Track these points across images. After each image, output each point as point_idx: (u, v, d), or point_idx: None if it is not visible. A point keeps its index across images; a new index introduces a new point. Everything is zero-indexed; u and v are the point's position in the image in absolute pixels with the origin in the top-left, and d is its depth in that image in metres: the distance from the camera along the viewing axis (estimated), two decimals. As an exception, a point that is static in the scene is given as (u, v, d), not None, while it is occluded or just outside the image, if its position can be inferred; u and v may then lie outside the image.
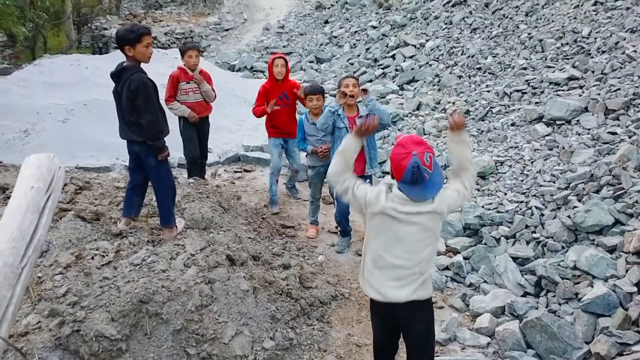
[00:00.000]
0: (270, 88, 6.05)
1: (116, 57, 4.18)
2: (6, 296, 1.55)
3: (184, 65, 6.00)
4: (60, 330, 3.20)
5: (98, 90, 8.64)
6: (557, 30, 8.91)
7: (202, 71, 6.12)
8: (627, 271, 3.95)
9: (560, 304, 4.07)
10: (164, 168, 4.19)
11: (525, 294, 4.39)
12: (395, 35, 13.12)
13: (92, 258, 3.84)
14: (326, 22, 17.85)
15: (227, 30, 20.42)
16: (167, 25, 21.80)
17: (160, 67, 10.27)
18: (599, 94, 6.45)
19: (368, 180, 5.08)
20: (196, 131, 6.15)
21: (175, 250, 4.01)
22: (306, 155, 5.80)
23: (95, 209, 4.46)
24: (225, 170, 7.74)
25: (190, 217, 4.55)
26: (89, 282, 3.55)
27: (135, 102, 3.91)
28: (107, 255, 3.87)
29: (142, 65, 4.02)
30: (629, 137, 5.44)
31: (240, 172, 7.76)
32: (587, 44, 8.01)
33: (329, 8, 18.95)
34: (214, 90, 6.20)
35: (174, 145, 6.21)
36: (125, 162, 7.26)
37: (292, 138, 6.20)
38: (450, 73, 9.96)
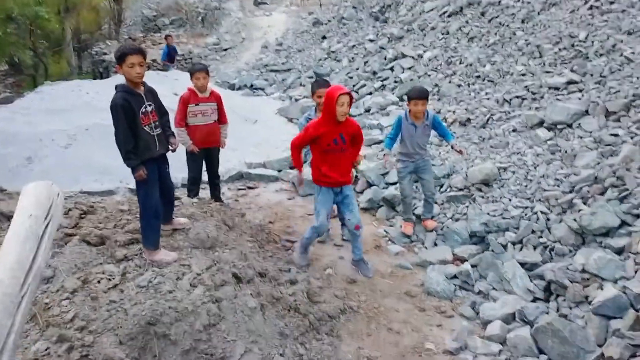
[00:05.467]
0: (326, 130, 4.71)
1: (116, 82, 4.22)
2: (6, 325, 1.55)
3: (193, 86, 6.03)
4: (69, 355, 3.18)
5: (99, 115, 8.68)
6: (554, 35, 8.94)
7: (213, 92, 6.14)
8: (636, 272, 3.93)
9: (570, 308, 4.04)
10: (142, 190, 4.18)
11: (535, 299, 4.36)
12: (392, 48, 13.17)
13: (99, 282, 3.82)
14: (324, 37, 17.93)
15: (225, 49, 20.57)
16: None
17: (160, 88, 10.28)
18: (598, 97, 6.45)
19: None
20: (203, 153, 6.15)
21: (181, 270, 3.99)
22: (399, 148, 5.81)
23: (100, 232, 4.46)
24: (228, 189, 7.75)
25: (195, 237, 4.54)
26: (96, 306, 3.54)
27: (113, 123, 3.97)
28: (113, 279, 3.86)
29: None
30: (631, 138, 5.44)
31: (244, 189, 7.77)
32: (584, 47, 8.03)
33: (326, 24, 19.06)
34: (224, 114, 6.21)
35: (179, 165, 6.26)
36: (128, 185, 7.29)
37: (349, 185, 5.11)
38: (450, 82, 9.99)
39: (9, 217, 5.24)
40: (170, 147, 4.48)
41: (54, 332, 3.31)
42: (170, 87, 11.11)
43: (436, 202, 6.08)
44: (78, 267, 4.10)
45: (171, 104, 8.73)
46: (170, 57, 16.49)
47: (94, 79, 19.04)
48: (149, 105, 4.16)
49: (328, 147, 4.77)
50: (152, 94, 4.25)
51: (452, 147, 5.68)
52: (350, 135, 4.83)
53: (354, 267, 5.27)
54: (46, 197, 1.86)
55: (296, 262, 5.13)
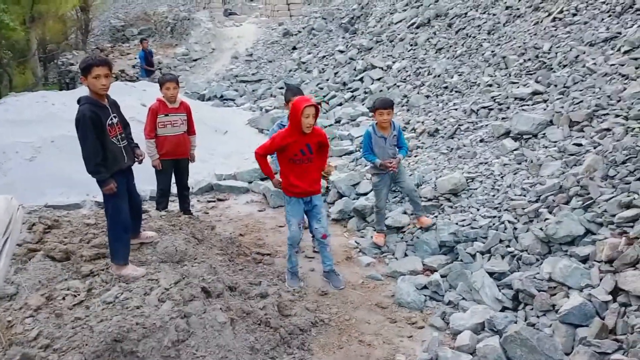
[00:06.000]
0: (292, 140, 4.77)
1: (83, 92, 4.16)
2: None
3: (163, 97, 5.96)
4: (31, 375, 3.09)
5: (65, 127, 8.51)
6: (519, 47, 9.13)
7: (183, 103, 6.09)
8: (601, 280, 4.00)
9: (538, 317, 4.09)
10: (110, 204, 4.11)
11: (503, 309, 4.41)
12: (362, 59, 13.28)
13: (64, 298, 3.74)
14: (294, 48, 18.01)
15: (195, 60, 20.48)
16: (135, 58, 21.73)
17: (129, 99, 10.22)
18: (562, 107, 6.59)
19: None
20: (173, 165, 6.10)
21: (149, 285, 3.93)
22: (372, 166, 5.80)
23: (65, 247, 4.36)
24: (198, 201, 7.67)
25: (163, 251, 4.48)
26: (61, 323, 3.46)
27: (77, 134, 3.90)
28: (78, 295, 3.78)
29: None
30: (594, 148, 5.56)
31: (214, 201, 7.70)
32: (548, 59, 8.22)
33: (296, 34, 19.15)
34: (193, 125, 6.18)
35: (147, 177, 6.17)
36: (95, 198, 7.17)
37: (317, 195, 5.13)
38: (418, 93, 10.11)
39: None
40: (137, 159, 4.42)
41: (17, 350, 3.21)
42: (137, 97, 10.99)
43: (420, 198, 6.07)
44: (42, 283, 4.01)
45: (139, 115, 8.64)
46: (148, 61, 16.40)
47: (60, 89, 18.72)
48: (114, 117, 4.11)
49: (295, 156, 4.83)
50: (115, 106, 4.21)
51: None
52: (317, 144, 4.89)
53: (324, 278, 5.27)
54: (5, 212, 1.82)
55: (289, 286, 5.06)
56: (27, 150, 8.15)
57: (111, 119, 4.05)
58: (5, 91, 18.77)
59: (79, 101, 3.99)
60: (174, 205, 6.53)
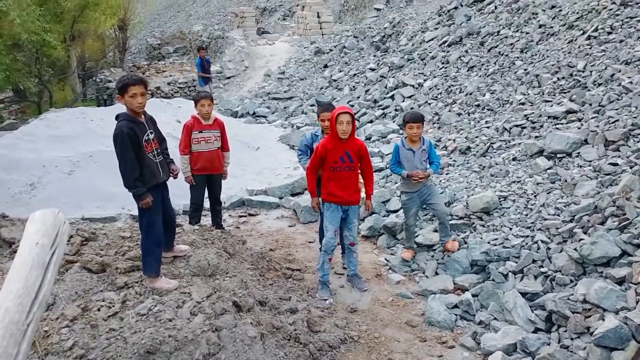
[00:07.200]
0: (331, 147, 5.01)
1: (120, 109, 4.28)
2: (12, 353, 1.56)
3: (197, 114, 6.09)
4: (67, 384, 3.17)
5: (103, 142, 8.76)
6: (553, 65, 9.04)
7: (217, 120, 6.22)
8: (637, 303, 3.91)
9: (572, 339, 4.01)
10: (145, 217, 4.19)
11: (536, 330, 4.33)
12: (393, 77, 13.31)
13: (99, 309, 3.82)
14: (325, 66, 18.16)
15: (228, 78, 20.79)
16: (170, 75, 22.25)
17: (164, 116, 10.43)
18: (597, 126, 6.50)
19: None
20: (206, 180, 6.21)
21: (182, 298, 3.99)
22: (402, 184, 5.89)
23: (101, 259, 4.47)
24: (229, 215, 7.76)
25: (195, 264, 4.54)
26: (96, 334, 3.54)
27: (115, 150, 4.01)
28: (113, 306, 3.86)
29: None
30: (630, 168, 5.46)
31: (245, 216, 7.79)
32: (583, 77, 8.12)
33: (327, 53, 19.32)
34: (227, 142, 6.30)
35: (180, 192, 6.28)
36: (130, 212, 7.32)
37: (354, 206, 5.30)
38: (450, 111, 10.07)
39: (10, 244, 5.26)
40: (172, 174, 4.52)
41: (53, 360, 3.30)
42: (173, 114, 11.22)
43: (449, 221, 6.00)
44: (78, 294, 4.11)
45: (174, 132, 8.82)
46: (204, 68, 16.60)
47: (98, 106, 19.23)
48: (151, 133, 4.22)
49: (335, 164, 5.04)
50: (152, 122, 4.32)
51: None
52: (356, 153, 5.08)
53: (348, 282, 5.48)
54: (53, 226, 1.88)
55: (320, 297, 5.15)
56: (66, 165, 8.38)
57: (147, 135, 4.15)
58: (46, 107, 19.38)
59: (116, 118, 4.11)
60: (206, 220, 6.62)
